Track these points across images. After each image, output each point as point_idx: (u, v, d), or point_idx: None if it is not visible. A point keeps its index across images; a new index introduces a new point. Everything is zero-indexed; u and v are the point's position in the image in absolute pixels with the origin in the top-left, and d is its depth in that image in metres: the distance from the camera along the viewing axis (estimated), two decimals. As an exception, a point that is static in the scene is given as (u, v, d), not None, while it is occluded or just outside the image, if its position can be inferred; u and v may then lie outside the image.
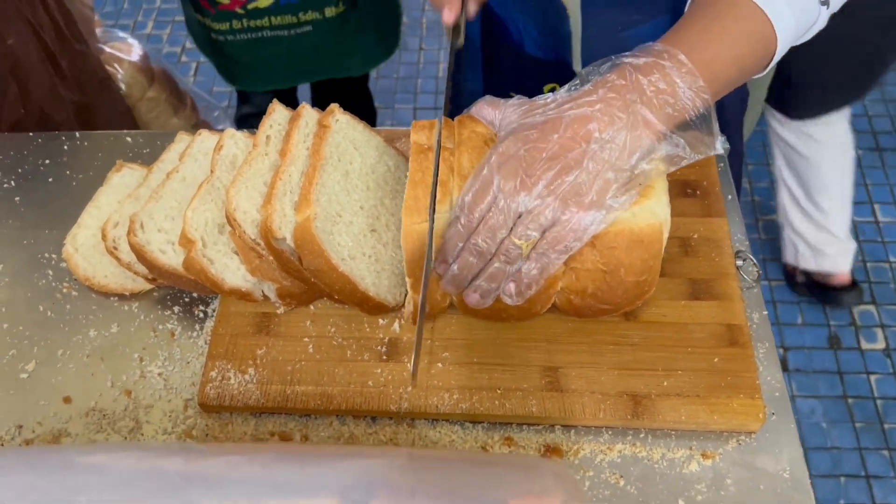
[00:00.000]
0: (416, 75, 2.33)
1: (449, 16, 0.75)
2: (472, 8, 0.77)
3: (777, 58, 0.65)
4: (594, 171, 0.59)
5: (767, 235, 1.97)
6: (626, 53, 0.62)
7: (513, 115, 0.64)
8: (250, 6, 1.43)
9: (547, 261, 0.61)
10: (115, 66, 1.26)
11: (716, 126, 0.61)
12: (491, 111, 0.67)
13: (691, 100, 0.60)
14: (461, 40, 0.76)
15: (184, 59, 2.38)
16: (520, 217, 0.60)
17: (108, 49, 1.28)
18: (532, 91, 1.00)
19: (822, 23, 0.67)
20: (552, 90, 1.00)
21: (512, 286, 0.63)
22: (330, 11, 1.48)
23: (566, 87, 0.63)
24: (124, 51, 1.31)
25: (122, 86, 1.27)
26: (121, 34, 1.36)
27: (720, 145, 0.61)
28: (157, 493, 0.40)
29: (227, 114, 1.60)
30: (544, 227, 0.60)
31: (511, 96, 1.00)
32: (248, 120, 1.97)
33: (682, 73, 0.60)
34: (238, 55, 1.55)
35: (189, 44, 2.41)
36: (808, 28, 0.66)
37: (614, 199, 0.60)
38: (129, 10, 2.51)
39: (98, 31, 1.29)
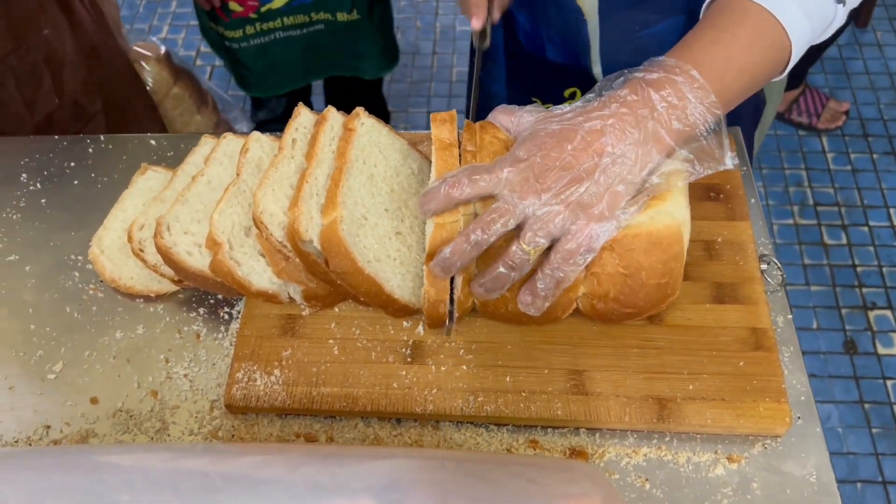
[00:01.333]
0: (430, 79, 2.33)
1: (477, 22, 0.76)
2: (497, 14, 0.78)
3: (793, 61, 0.65)
4: (605, 183, 0.60)
5: (783, 240, 1.97)
6: (639, 68, 0.63)
7: (528, 122, 0.65)
8: (263, 9, 1.44)
9: (561, 275, 0.62)
10: (143, 63, 1.29)
11: (726, 141, 0.62)
12: (506, 118, 0.68)
13: (702, 115, 0.61)
14: (487, 43, 0.78)
15: (199, 62, 2.39)
16: (527, 222, 0.60)
17: (135, 47, 1.30)
18: (553, 96, 1.01)
19: (840, 20, 0.67)
20: (572, 95, 1.01)
21: (529, 297, 0.63)
22: (342, 16, 1.49)
23: (582, 98, 0.64)
24: (150, 49, 1.33)
25: (150, 82, 1.29)
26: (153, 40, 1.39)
27: (729, 161, 0.62)
28: (196, 493, 0.40)
29: (244, 114, 1.61)
30: (553, 235, 0.60)
31: (532, 101, 1.00)
32: (264, 126, 1.98)
33: (694, 88, 0.60)
34: (251, 62, 1.56)
35: (204, 47, 2.42)
36: (824, 28, 0.66)
37: (623, 211, 0.61)
38: (144, 14, 2.53)
39: (124, 30, 1.32)
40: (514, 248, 0.61)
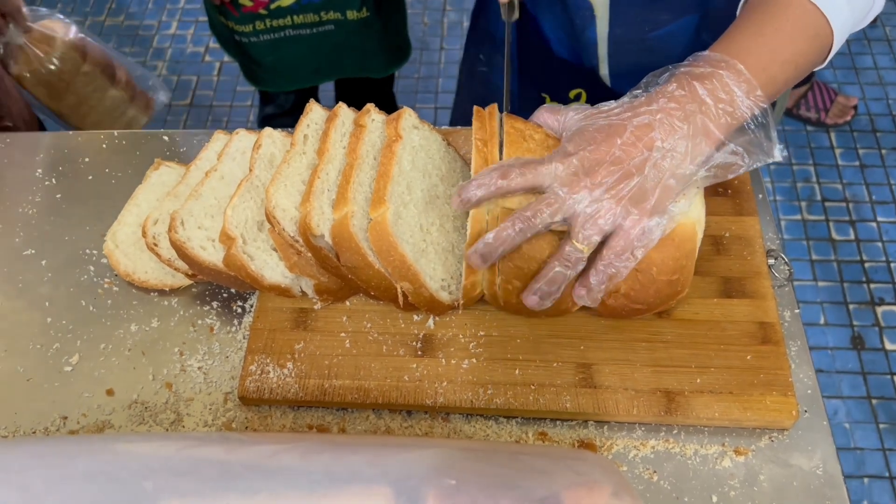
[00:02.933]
0: (438, 75, 2.34)
1: None
2: None
3: (835, 49, 0.66)
4: (656, 178, 0.60)
5: (791, 236, 1.97)
6: (684, 63, 0.63)
7: (575, 119, 0.65)
8: (273, 6, 1.45)
9: (614, 271, 0.62)
10: (47, 44, 1.26)
11: (774, 133, 0.62)
12: (551, 117, 0.68)
13: (749, 108, 0.61)
14: (516, 14, 0.77)
15: (207, 58, 2.40)
16: (577, 218, 0.60)
17: (37, 27, 1.27)
18: (560, 94, 1.02)
19: (879, 7, 0.67)
20: (577, 96, 1.02)
21: (583, 291, 0.63)
22: (352, 14, 1.49)
23: (627, 95, 0.64)
24: (55, 29, 1.30)
25: (56, 62, 1.27)
26: (44, 11, 1.34)
27: (778, 153, 0.62)
28: (216, 479, 0.41)
29: (164, 85, 1.55)
30: (605, 231, 0.60)
31: (543, 98, 1.00)
32: (272, 120, 1.98)
33: (740, 81, 0.61)
34: (261, 57, 1.57)
35: (213, 43, 2.43)
36: (864, 15, 0.66)
37: (674, 205, 0.61)
38: (153, 10, 2.54)
39: (25, 10, 1.28)
40: (567, 247, 0.61)
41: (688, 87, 0.61)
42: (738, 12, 0.68)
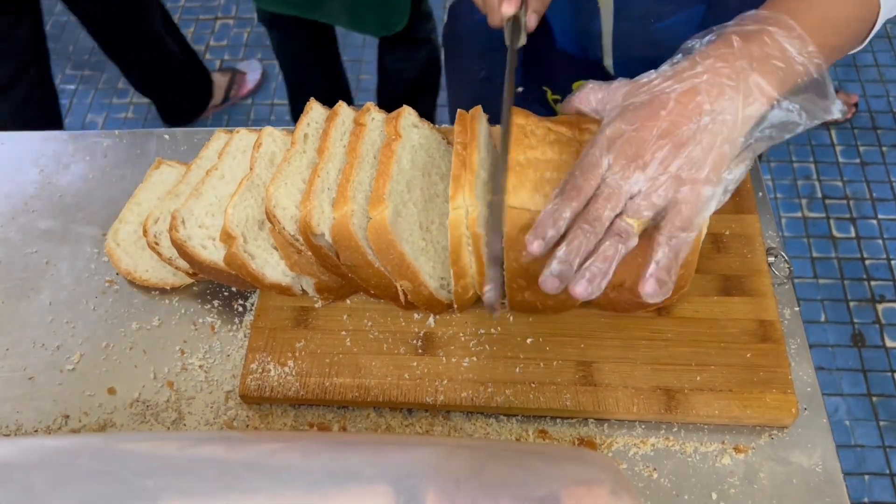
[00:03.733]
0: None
1: (509, 6, 0.69)
2: (532, 21, 0.73)
3: (876, 29, 0.63)
4: (708, 145, 0.56)
5: (791, 233, 1.97)
6: (730, 23, 0.60)
7: (617, 96, 0.62)
8: None
9: (677, 242, 0.57)
10: None
11: (831, 90, 0.58)
12: (596, 96, 0.65)
13: (803, 65, 0.57)
14: (523, 39, 0.71)
15: (208, 56, 2.40)
16: (631, 198, 0.58)
17: None
18: (562, 86, 1.01)
19: None
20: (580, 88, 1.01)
21: (653, 282, 0.58)
22: None
23: (668, 62, 0.61)
24: None
25: None
26: None
27: (836, 110, 0.59)
28: (216, 478, 0.42)
29: None
30: (658, 206, 0.57)
31: (543, 90, 0.98)
32: (285, 46, 1.86)
33: (792, 38, 0.57)
34: None
35: (213, 41, 2.44)
36: None
37: (729, 172, 0.58)
38: (153, 8, 2.54)
39: None
40: (617, 224, 0.57)
41: (738, 45, 0.57)
42: None
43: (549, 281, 0.57)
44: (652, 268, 0.58)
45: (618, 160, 0.58)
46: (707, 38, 0.60)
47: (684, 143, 0.57)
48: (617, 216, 0.58)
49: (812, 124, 0.59)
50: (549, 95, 1.03)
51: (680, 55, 0.61)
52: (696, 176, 0.57)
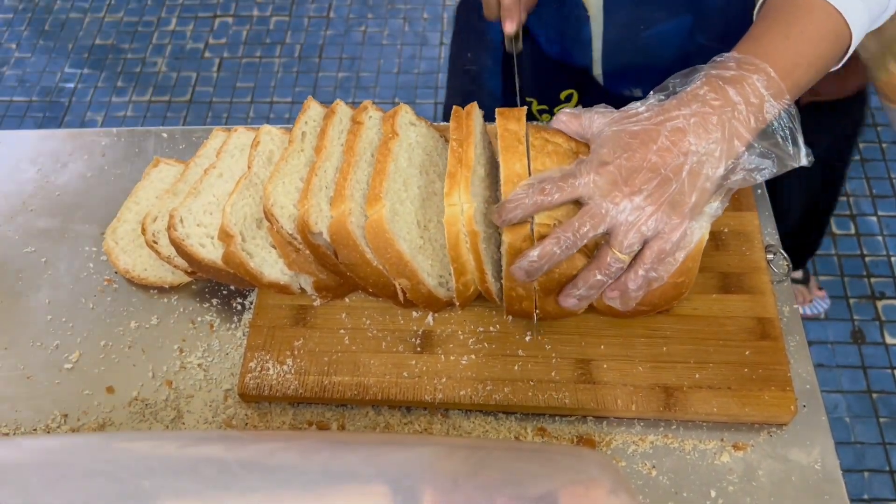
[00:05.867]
0: (437, 70, 2.33)
1: (511, 26, 0.76)
2: (524, 15, 0.79)
3: (851, 51, 0.66)
4: (692, 182, 0.60)
5: (790, 229, 1.96)
6: (712, 63, 0.63)
7: (601, 123, 0.65)
8: None
9: (655, 275, 0.62)
10: None
11: (800, 138, 0.62)
12: (575, 122, 0.67)
13: (776, 112, 0.61)
14: (520, 46, 0.78)
15: (207, 54, 2.40)
16: (619, 227, 0.60)
17: None
18: (550, 96, 1.01)
19: (893, 7, 0.67)
20: (569, 97, 1.01)
21: (617, 295, 0.64)
22: None
23: (652, 96, 0.64)
24: None
25: None
26: None
27: (804, 158, 0.62)
28: (214, 478, 0.42)
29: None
30: (646, 236, 0.61)
31: (528, 102, 0.99)
32: None
33: (770, 85, 0.61)
34: None
35: (212, 40, 2.43)
36: (879, 15, 0.66)
37: (710, 206, 0.62)
38: (153, 6, 2.53)
39: None
40: (609, 257, 0.61)
41: (720, 90, 0.61)
42: (755, 14, 0.68)
43: (516, 272, 0.63)
44: (622, 286, 0.63)
45: (607, 185, 0.60)
46: (691, 77, 0.64)
47: (671, 179, 0.60)
48: (606, 243, 0.62)
49: (782, 170, 0.63)
50: (535, 106, 1.02)
51: (663, 94, 0.64)
52: (682, 210, 0.61)
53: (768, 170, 0.62)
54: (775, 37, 0.63)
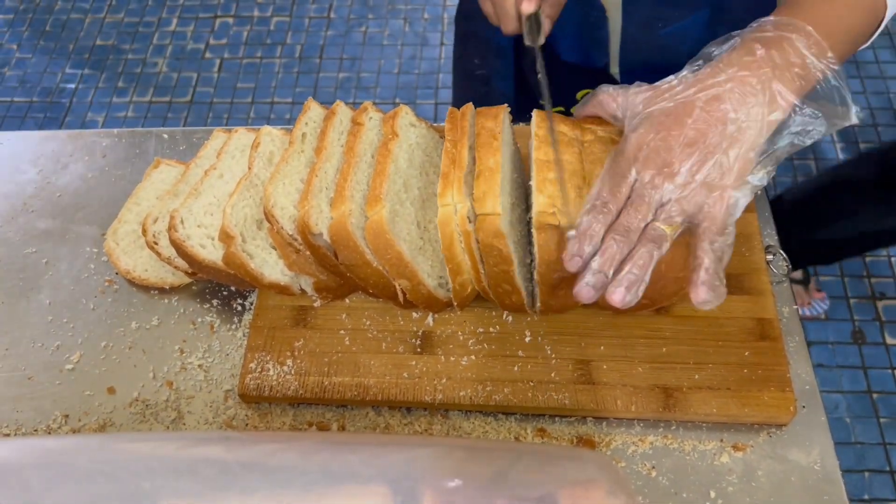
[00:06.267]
0: (438, 70, 2.34)
1: (529, 5, 0.67)
2: (547, 26, 0.72)
3: (883, 26, 0.64)
4: (734, 153, 0.58)
5: (791, 230, 1.96)
6: (748, 29, 0.61)
7: (637, 103, 0.63)
8: None
9: (719, 246, 0.58)
10: None
11: (849, 96, 0.60)
12: (611, 102, 0.65)
13: (822, 71, 0.59)
14: (542, 38, 0.71)
15: (208, 55, 2.40)
16: (662, 206, 0.59)
17: None
18: (565, 97, 1.01)
19: None
20: (585, 97, 1.01)
21: (704, 288, 0.58)
22: None
23: (687, 67, 0.62)
24: None
25: None
26: None
27: (854, 115, 0.60)
28: (214, 479, 0.42)
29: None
30: (688, 212, 0.58)
31: (541, 105, 1.00)
32: None
33: (811, 44, 0.59)
34: None
35: (213, 40, 2.43)
36: None
37: (753, 177, 0.59)
38: (153, 7, 2.54)
39: None
40: (649, 228, 0.59)
41: (758, 53, 0.58)
42: None
43: (584, 291, 0.58)
44: (702, 275, 0.58)
45: (646, 169, 0.59)
46: (728, 44, 0.61)
47: (711, 151, 0.58)
48: (648, 223, 0.59)
49: (831, 130, 0.60)
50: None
51: (701, 61, 0.62)
52: (724, 182, 0.58)
53: (816, 130, 0.59)
54: (813, 2, 0.61)
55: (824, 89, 0.59)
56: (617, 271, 0.58)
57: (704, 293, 0.58)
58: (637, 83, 0.65)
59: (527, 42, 0.73)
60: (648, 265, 0.58)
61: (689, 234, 0.60)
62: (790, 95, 0.58)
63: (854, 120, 0.60)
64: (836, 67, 0.59)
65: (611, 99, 0.65)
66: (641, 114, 0.62)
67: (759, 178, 0.60)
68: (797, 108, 0.59)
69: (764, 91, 0.58)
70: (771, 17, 0.61)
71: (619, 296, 0.58)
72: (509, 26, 0.71)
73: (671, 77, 0.62)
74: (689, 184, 0.58)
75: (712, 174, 0.58)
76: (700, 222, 0.59)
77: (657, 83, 0.63)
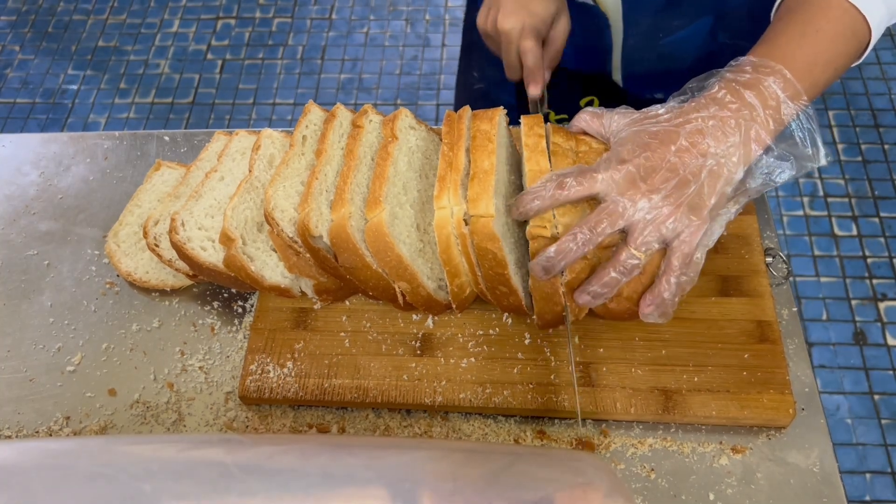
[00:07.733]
0: (439, 71, 2.34)
1: (535, 89, 0.78)
2: (547, 74, 0.80)
3: (871, 47, 0.66)
4: (711, 186, 0.60)
5: (793, 231, 1.96)
6: (728, 68, 0.63)
7: (622, 124, 0.65)
8: None
9: (686, 279, 0.62)
10: None
11: (819, 139, 0.62)
12: (595, 121, 0.67)
13: (794, 114, 0.61)
14: (546, 107, 0.80)
15: (210, 56, 2.41)
16: (636, 226, 0.60)
17: None
18: (567, 105, 1.01)
19: None
20: (589, 103, 1.01)
21: (653, 308, 0.63)
22: None
23: (672, 99, 0.64)
24: None
25: None
26: None
27: (823, 158, 0.62)
28: (213, 481, 0.42)
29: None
30: (666, 238, 0.60)
31: (546, 112, 1.00)
32: None
33: (786, 87, 0.61)
34: None
35: (214, 41, 2.44)
36: None
37: (727, 210, 0.62)
38: (155, 8, 2.54)
39: None
40: (623, 254, 0.61)
41: (736, 94, 0.61)
42: (772, 14, 0.68)
43: (535, 268, 0.63)
44: (657, 299, 0.62)
45: (625, 183, 0.60)
46: (709, 81, 0.63)
47: (690, 180, 0.60)
48: (623, 241, 0.61)
49: (802, 173, 0.62)
50: (553, 117, 1.03)
51: (686, 94, 0.64)
52: (700, 212, 0.60)
53: (787, 172, 0.62)
54: (791, 37, 0.63)
55: (796, 132, 0.62)
56: (586, 282, 0.63)
57: (652, 313, 0.63)
58: (623, 106, 0.67)
59: (531, 109, 0.82)
60: (614, 287, 0.62)
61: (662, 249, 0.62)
62: (765, 137, 0.61)
63: (823, 162, 0.62)
64: (809, 111, 0.62)
65: (594, 119, 0.67)
66: (628, 131, 0.64)
67: (733, 211, 0.62)
68: (770, 149, 0.62)
69: (741, 132, 0.60)
70: (749, 57, 0.63)
71: (582, 301, 0.64)
72: (513, 75, 0.80)
73: (657, 106, 0.64)
74: (665, 206, 0.60)
75: (691, 202, 0.60)
76: (672, 251, 0.61)
77: (644, 109, 0.65)
